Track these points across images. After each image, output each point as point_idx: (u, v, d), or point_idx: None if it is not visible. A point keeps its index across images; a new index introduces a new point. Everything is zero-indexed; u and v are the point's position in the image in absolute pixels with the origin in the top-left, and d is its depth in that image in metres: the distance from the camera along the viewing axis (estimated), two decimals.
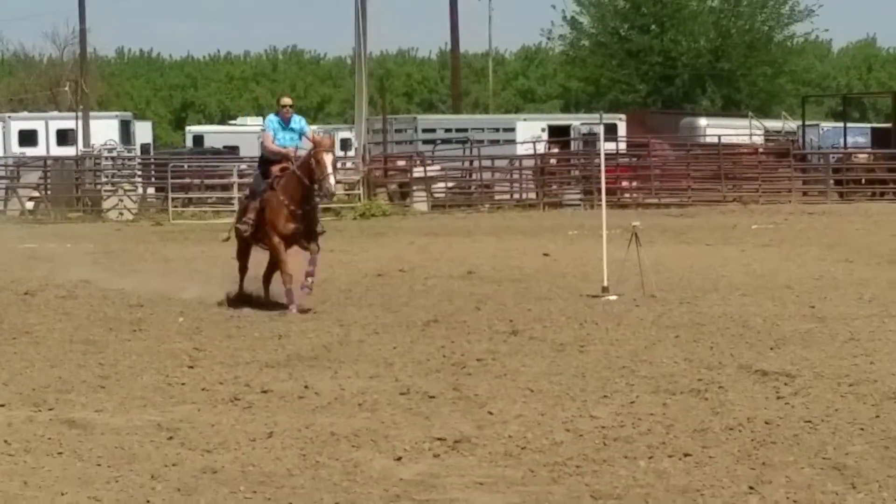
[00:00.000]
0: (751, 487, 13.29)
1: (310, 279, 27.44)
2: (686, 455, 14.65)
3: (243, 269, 29.84)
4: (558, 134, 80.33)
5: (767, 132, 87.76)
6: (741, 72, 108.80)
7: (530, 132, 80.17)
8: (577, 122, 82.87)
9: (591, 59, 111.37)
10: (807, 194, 71.60)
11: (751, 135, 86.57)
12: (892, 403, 17.23)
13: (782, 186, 72.17)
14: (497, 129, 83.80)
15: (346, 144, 75.82)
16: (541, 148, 76.25)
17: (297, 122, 28.88)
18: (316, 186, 27.67)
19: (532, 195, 70.48)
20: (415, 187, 68.12)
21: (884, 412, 16.75)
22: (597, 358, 21.08)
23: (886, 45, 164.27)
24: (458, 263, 36.24)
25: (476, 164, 74.06)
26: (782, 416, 16.67)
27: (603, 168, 36.81)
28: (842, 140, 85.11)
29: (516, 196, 71.16)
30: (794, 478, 13.65)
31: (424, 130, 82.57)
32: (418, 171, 69.25)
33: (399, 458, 14.77)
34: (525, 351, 21.78)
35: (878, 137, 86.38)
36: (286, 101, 29.53)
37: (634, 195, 68.07)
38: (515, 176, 73.07)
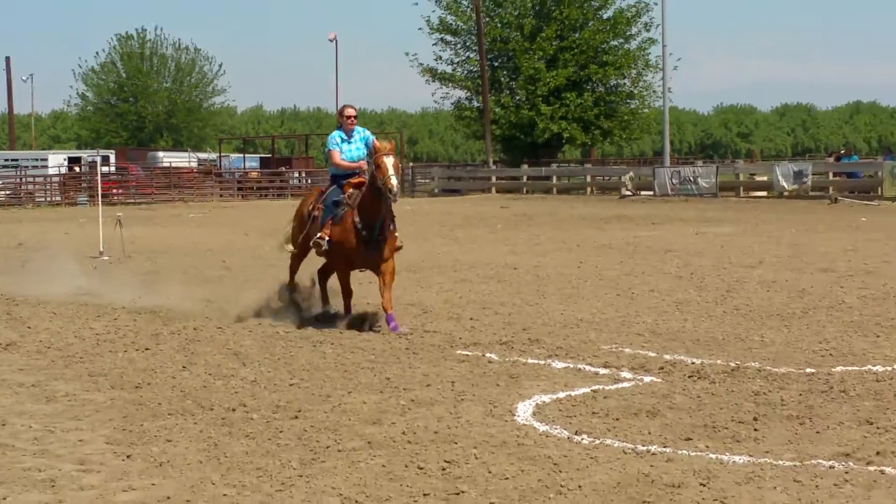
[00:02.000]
0: (184, 367, 13.17)
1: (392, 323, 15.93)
2: (146, 349, 14.45)
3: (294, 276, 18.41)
4: (74, 161, 78.96)
5: (200, 161, 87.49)
6: (184, 125, 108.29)
7: (57, 161, 78.53)
8: (85, 155, 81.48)
9: (94, 118, 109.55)
10: (222, 196, 71.37)
11: (189, 161, 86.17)
12: (268, 320, 17.23)
13: (208, 192, 71.79)
14: (37, 160, 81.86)
15: None
16: (64, 170, 74.89)
17: (360, 132, 17.71)
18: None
19: (58, 198, 68.82)
20: None
21: (263, 325, 16.75)
22: (103, 291, 20.48)
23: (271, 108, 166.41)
24: (14, 238, 35.14)
25: (24, 180, 72.13)
26: (204, 324, 16.52)
27: (100, 181, 36.26)
28: (242, 164, 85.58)
29: (49, 199, 69.38)
30: (211, 361, 13.56)
31: None
32: None
33: None
34: (49, 289, 20.98)
35: (264, 162, 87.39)
36: (350, 111, 17.86)
37: (120, 198, 66.89)
38: (48, 187, 71.25)
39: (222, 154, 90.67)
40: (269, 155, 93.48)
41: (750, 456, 8.99)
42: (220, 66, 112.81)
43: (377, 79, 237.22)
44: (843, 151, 70.42)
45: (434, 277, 22.83)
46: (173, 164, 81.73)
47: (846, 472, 8.49)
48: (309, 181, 78.74)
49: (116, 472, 8.99)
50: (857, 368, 12.04)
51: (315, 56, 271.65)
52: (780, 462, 8.79)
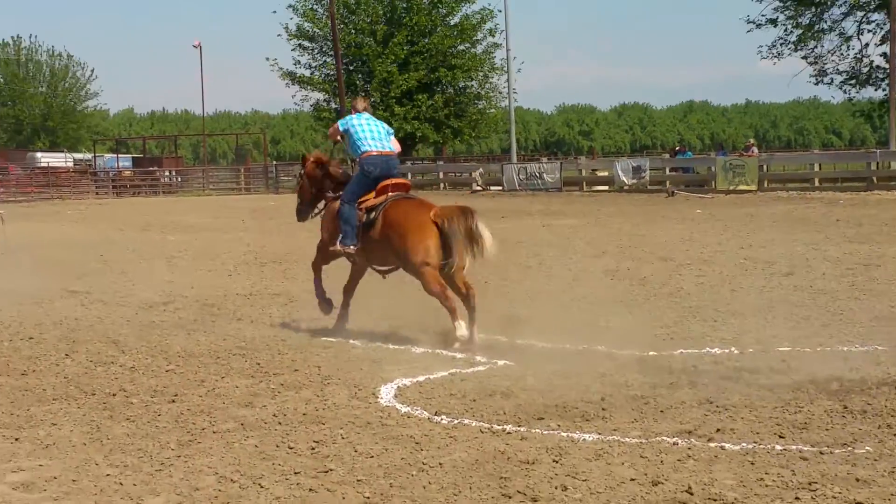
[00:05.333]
0: (66, 355, 12.97)
1: None
2: (30, 338, 14.19)
3: None
4: None
5: (76, 161, 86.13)
6: (60, 128, 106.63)
7: None
8: None
9: None
10: (98, 194, 70.34)
11: (66, 161, 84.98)
12: (145, 310, 17.05)
13: (84, 191, 70.79)
14: None
15: None
16: None
17: None
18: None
19: None
20: None
21: (139, 314, 16.59)
22: None
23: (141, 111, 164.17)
24: None
25: None
26: (84, 315, 16.36)
27: None
28: (116, 164, 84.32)
29: None
30: (91, 349, 13.35)
31: None
32: None
33: None
34: None
35: (136, 162, 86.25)
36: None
37: (2, 196, 65.45)
38: None
39: (97, 154, 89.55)
40: (141, 155, 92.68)
41: (599, 434, 9.03)
42: (93, 71, 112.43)
43: (241, 82, 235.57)
44: (678, 148, 71.32)
45: (297, 269, 22.73)
46: (51, 165, 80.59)
47: (689, 448, 8.55)
48: (178, 179, 78.42)
49: (5, 454, 8.86)
50: (696, 351, 12.14)
51: (182, 61, 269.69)
52: (627, 439, 8.84)
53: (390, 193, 13.99)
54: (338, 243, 14.17)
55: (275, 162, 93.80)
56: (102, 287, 19.94)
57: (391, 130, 14.68)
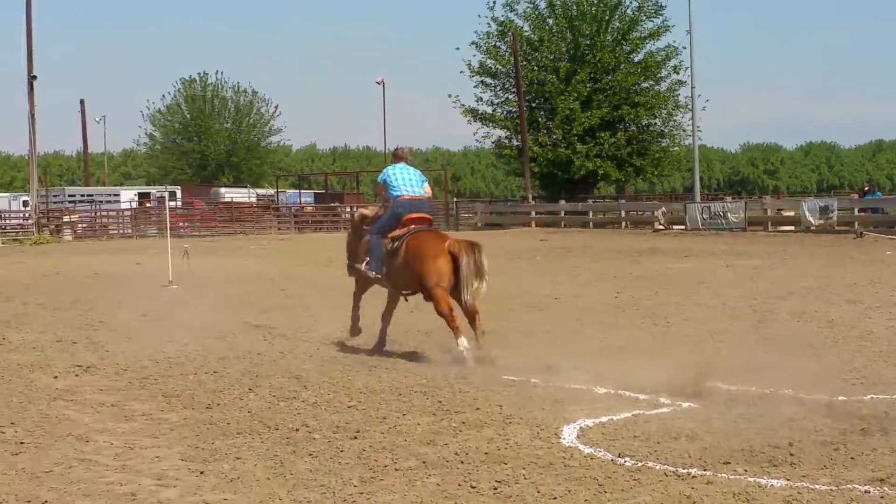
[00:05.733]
0: (250, 389, 13.20)
1: None
2: (215, 372, 14.47)
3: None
4: (144, 197, 79.95)
5: (258, 196, 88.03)
6: (244, 163, 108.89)
7: (128, 196, 79.51)
8: (154, 190, 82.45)
9: (162, 156, 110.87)
10: (280, 230, 71.53)
11: (249, 197, 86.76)
12: (327, 346, 17.27)
13: (267, 226, 72.06)
14: (110, 195, 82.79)
15: (26, 204, 73.48)
16: (135, 204, 75.86)
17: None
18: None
19: (130, 231, 69.34)
20: (64, 227, 66.23)
21: (321, 350, 16.81)
22: (173, 317, 20.62)
23: (323, 147, 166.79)
24: (90, 269, 35.19)
25: (98, 213, 72.87)
26: (267, 350, 16.61)
27: (168, 215, 36.47)
28: (298, 199, 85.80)
29: (122, 231, 69.84)
30: (274, 383, 13.58)
31: (70, 195, 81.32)
32: (66, 218, 67.61)
33: (55, 377, 14.27)
34: (124, 315, 21.24)
35: (318, 198, 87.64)
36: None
37: (186, 230, 67.20)
38: (121, 221, 71.88)
39: (279, 190, 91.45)
40: (323, 191, 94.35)
41: (787, 480, 8.89)
42: (276, 107, 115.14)
43: (422, 119, 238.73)
44: (867, 188, 69.93)
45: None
46: (234, 200, 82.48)
47: (882, 497, 8.39)
48: None
49: (191, 486, 9.04)
50: (887, 397, 11.89)
51: (364, 98, 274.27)
52: (817, 486, 8.69)
53: (412, 226, 16.16)
54: (363, 266, 16.66)
55: (455, 199, 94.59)
56: (285, 322, 20.25)
57: (424, 179, 16.70)
